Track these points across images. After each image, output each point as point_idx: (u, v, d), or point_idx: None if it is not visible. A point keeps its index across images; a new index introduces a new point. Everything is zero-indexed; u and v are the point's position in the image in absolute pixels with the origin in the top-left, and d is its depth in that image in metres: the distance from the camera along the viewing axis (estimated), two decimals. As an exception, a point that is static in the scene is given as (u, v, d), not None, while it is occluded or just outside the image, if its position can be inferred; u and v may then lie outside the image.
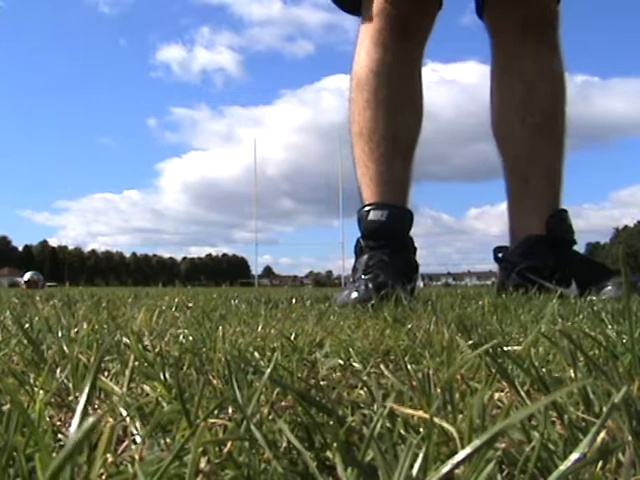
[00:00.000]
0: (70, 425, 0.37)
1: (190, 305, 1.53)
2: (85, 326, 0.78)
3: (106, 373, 0.53)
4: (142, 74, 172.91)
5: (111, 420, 0.36)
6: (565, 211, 1.79)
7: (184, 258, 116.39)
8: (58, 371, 0.51)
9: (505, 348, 0.50)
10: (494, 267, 1.92)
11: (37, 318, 0.94)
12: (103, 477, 0.28)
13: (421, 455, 0.25)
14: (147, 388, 0.46)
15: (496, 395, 0.42)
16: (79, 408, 0.23)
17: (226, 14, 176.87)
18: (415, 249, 1.73)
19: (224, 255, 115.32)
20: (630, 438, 0.29)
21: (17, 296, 2.58)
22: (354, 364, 0.57)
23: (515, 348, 0.56)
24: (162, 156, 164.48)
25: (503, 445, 0.29)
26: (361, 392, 0.46)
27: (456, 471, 0.24)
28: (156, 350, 0.57)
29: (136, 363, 0.48)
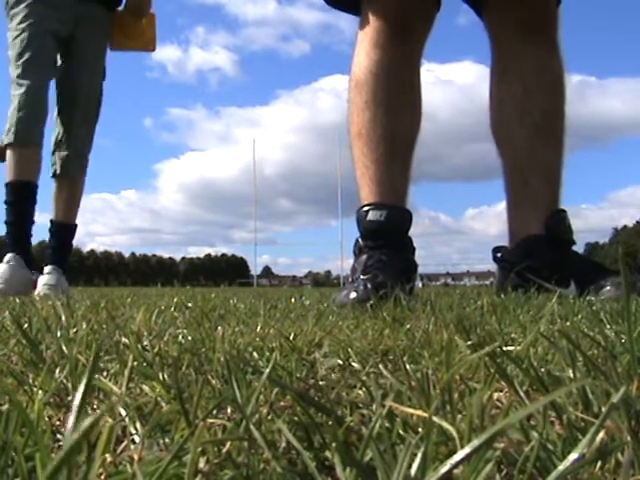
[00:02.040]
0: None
1: (189, 305, 1.53)
2: (84, 326, 0.78)
3: (105, 373, 0.53)
4: (138, 74, 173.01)
5: (110, 420, 0.36)
6: (564, 211, 1.79)
7: (183, 258, 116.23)
8: (57, 371, 0.51)
9: (504, 348, 0.50)
10: (493, 267, 1.92)
11: (36, 318, 0.94)
12: (102, 477, 0.28)
13: (420, 455, 0.25)
14: (146, 388, 0.46)
15: (495, 395, 0.42)
16: (75, 406, 0.23)
17: (221, 14, 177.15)
18: (414, 249, 1.73)
19: (223, 255, 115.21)
20: (629, 438, 0.29)
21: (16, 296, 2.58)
22: (353, 364, 0.57)
23: (514, 348, 0.56)
24: (159, 157, 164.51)
25: (502, 445, 0.29)
26: (360, 392, 0.46)
27: (455, 471, 0.24)
28: (155, 350, 0.57)
29: (135, 363, 0.48)
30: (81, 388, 0.23)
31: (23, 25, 2.92)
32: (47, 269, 2.91)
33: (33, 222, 3.00)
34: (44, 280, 2.84)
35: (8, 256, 2.84)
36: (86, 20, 3.03)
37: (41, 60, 2.94)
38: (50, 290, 2.73)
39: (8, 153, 2.89)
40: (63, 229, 3.08)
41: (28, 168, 2.90)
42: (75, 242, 3.26)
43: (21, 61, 2.89)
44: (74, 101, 3.06)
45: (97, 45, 3.12)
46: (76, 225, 3.15)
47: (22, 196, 2.93)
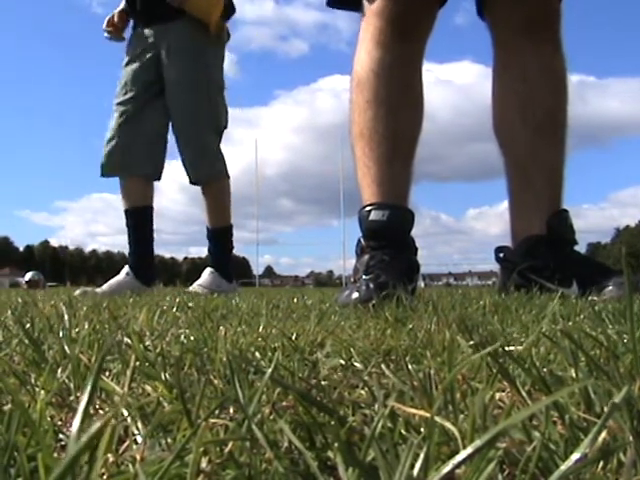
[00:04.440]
0: (71, 425, 0.37)
1: (191, 305, 1.53)
2: (86, 326, 0.78)
3: (107, 373, 0.53)
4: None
5: (112, 420, 0.36)
6: (566, 211, 1.78)
7: (185, 258, 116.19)
8: (59, 371, 0.51)
9: (506, 348, 0.50)
10: (495, 267, 1.92)
11: (38, 318, 0.94)
12: (104, 477, 0.28)
13: (422, 455, 0.25)
14: (148, 388, 0.46)
15: (497, 395, 0.42)
16: (80, 408, 0.23)
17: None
18: (416, 249, 1.73)
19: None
20: (631, 438, 0.29)
21: (18, 296, 2.58)
22: (355, 364, 0.57)
23: (516, 348, 0.56)
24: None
25: (504, 445, 0.29)
26: (362, 392, 0.46)
27: (457, 471, 0.24)
28: (157, 350, 0.57)
29: (137, 363, 0.48)
30: (87, 391, 0.23)
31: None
32: (205, 271, 3.29)
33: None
34: (198, 281, 3.25)
35: (125, 268, 3.14)
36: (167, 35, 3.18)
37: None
38: (199, 289, 3.09)
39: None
40: (210, 233, 3.41)
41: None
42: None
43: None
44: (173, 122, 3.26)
45: (178, 59, 3.18)
46: (223, 227, 3.39)
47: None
